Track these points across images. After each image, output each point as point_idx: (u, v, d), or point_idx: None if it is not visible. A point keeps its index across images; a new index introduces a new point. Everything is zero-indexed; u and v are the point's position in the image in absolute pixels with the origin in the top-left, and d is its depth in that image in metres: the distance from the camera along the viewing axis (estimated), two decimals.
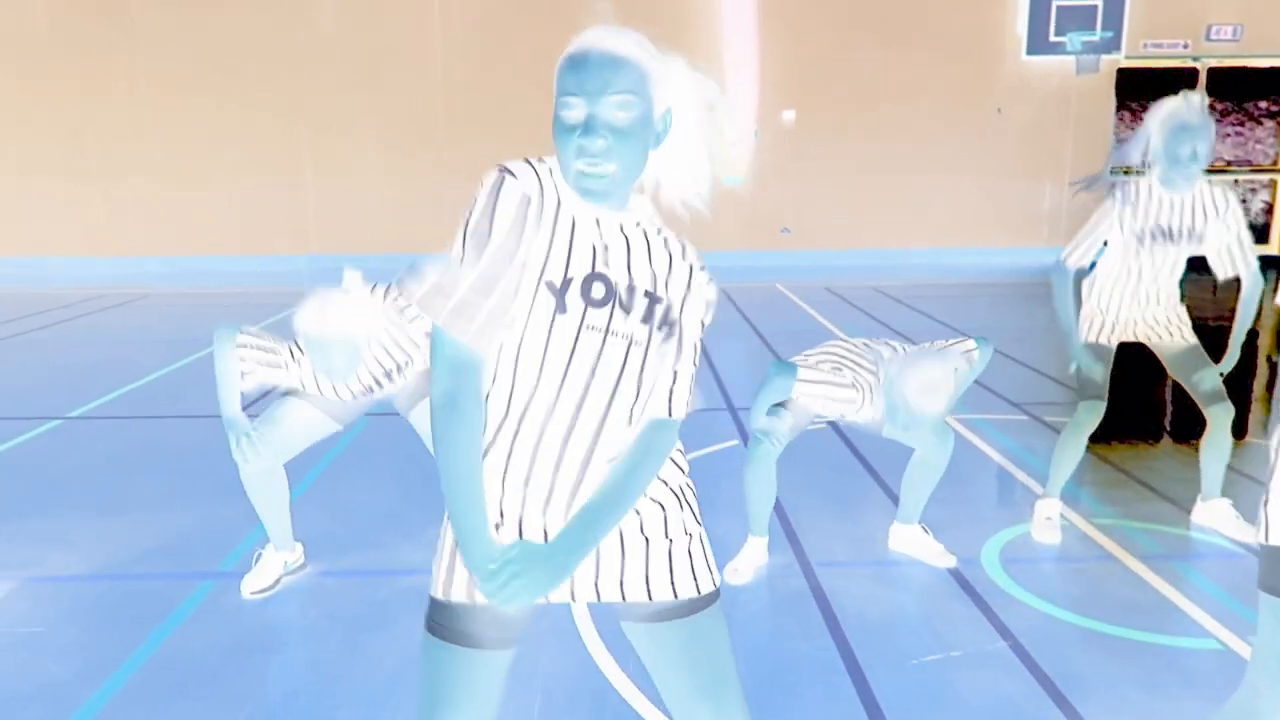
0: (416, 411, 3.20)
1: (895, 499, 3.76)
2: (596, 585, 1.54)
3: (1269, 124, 12.79)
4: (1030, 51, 11.97)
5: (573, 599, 1.54)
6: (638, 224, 1.50)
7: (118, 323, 8.77)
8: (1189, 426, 3.55)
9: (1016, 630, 2.95)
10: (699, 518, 1.62)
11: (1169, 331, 3.55)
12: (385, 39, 12.15)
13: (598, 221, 1.46)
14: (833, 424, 5.03)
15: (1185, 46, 12.19)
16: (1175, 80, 12.53)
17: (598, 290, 1.43)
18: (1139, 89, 12.49)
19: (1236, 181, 12.85)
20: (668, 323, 1.49)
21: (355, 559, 3.52)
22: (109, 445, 4.97)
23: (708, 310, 1.57)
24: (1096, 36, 11.85)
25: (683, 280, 1.52)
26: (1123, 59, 12.11)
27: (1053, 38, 11.88)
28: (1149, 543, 3.60)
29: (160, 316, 9.19)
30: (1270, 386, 6.19)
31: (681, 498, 1.59)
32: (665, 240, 1.53)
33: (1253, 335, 4.15)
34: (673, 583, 1.55)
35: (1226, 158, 12.88)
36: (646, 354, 1.48)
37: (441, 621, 1.53)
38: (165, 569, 3.46)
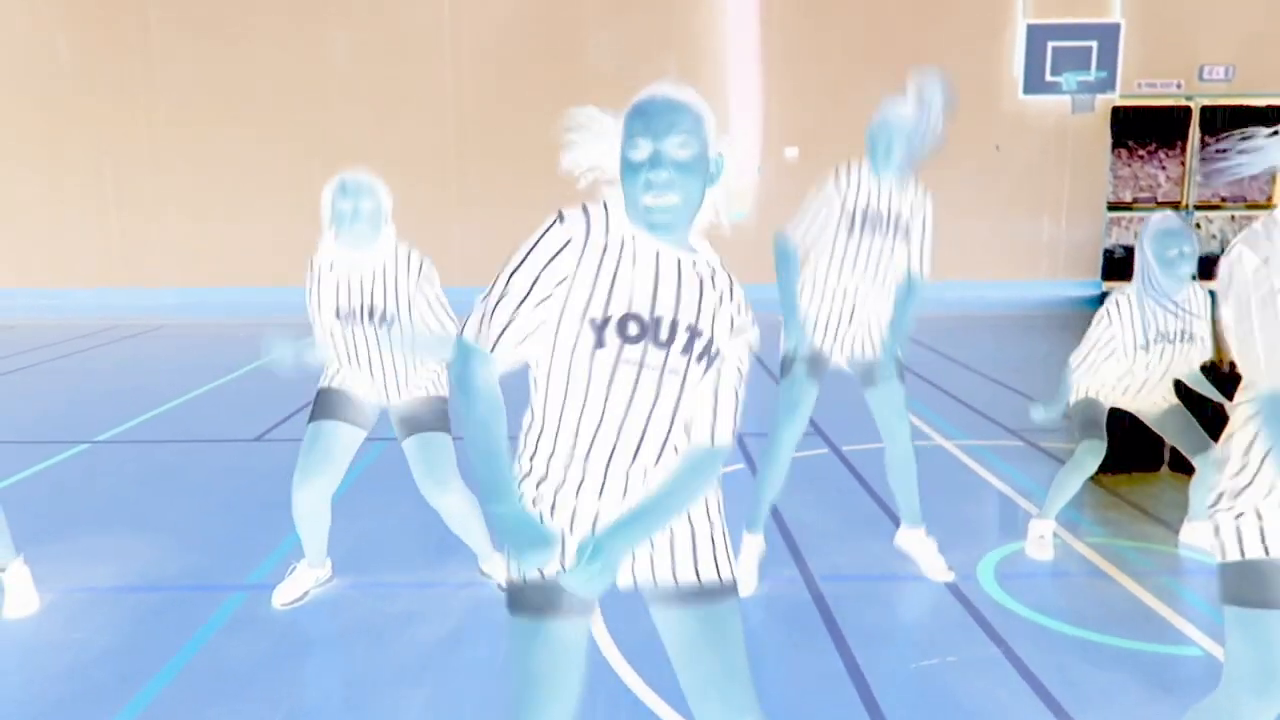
0: (408, 442, 3.35)
1: (896, 520, 3.93)
2: (634, 571, 1.72)
3: None
4: (1027, 91, 12.25)
5: (634, 582, 1.73)
6: (694, 263, 1.66)
7: (136, 352, 8.98)
8: (1186, 458, 3.72)
9: (1010, 638, 3.10)
10: (721, 510, 1.79)
11: (1153, 404, 3.76)
12: (399, 75, 12.47)
13: (658, 255, 1.63)
14: (838, 454, 5.21)
15: (1179, 86, 12.48)
16: (1169, 118, 12.81)
17: (633, 328, 1.60)
18: (1134, 127, 12.76)
19: (1233, 218, 13.08)
20: (708, 355, 1.65)
21: (378, 573, 3.69)
22: (136, 467, 5.15)
23: (747, 351, 1.73)
24: (1091, 77, 12.14)
25: (728, 318, 1.68)
26: (1117, 98, 12.39)
27: (1049, 78, 12.17)
28: (1139, 560, 3.76)
29: (177, 347, 9.40)
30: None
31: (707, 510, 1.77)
32: (716, 278, 1.69)
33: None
34: (696, 567, 1.72)
35: (1223, 195, 13.12)
36: (684, 384, 1.64)
37: (519, 600, 1.70)
38: (197, 581, 3.63)
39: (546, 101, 12.51)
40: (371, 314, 3.17)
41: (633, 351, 1.60)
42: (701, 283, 1.66)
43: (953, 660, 2.99)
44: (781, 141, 12.48)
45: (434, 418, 3.34)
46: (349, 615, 3.36)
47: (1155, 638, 3.13)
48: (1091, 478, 3.82)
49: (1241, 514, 1.81)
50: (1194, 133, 12.82)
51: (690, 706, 1.78)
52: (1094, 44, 12.11)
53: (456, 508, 3.37)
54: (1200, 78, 12.43)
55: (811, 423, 5.43)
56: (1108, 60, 12.15)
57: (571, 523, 1.67)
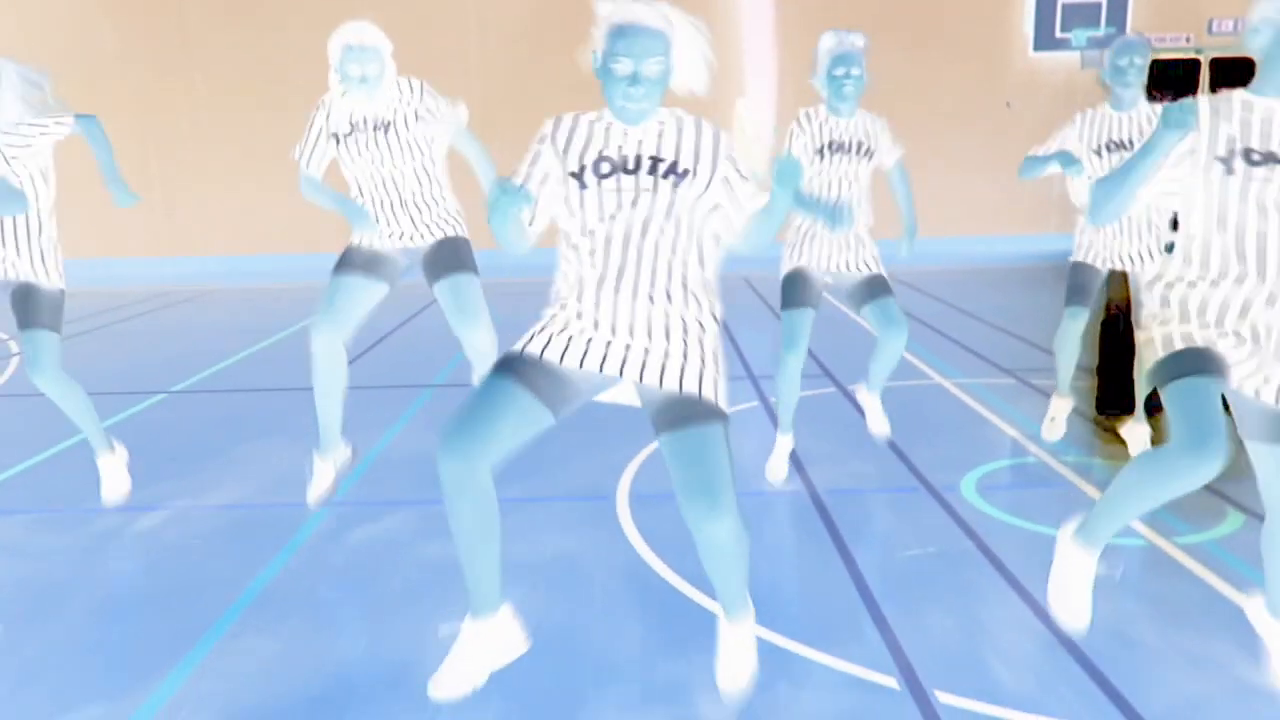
0: (438, 286, 3.73)
1: (892, 445, 4.44)
2: (624, 366, 2.23)
3: None
4: (1038, 48, 12.53)
5: (620, 374, 2.24)
6: (659, 121, 2.27)
7: (188, 316, 9.62)
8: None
9: (983, 535, 3.62)
10: (718, 356, 2.31)
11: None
12: (426, 50, 12.88)
13: (625, 131, 2.25)
14: (843, 391, 5.72)
15: (1188, 40, 12.70)
16: (1179, 72, 13.04)
17: (604, 167, 2.22)
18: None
19: None
20: (674, 174, 2.22)
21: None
22: (214, 411, 5.75)
23: (733, 158, 2.28)
24: (1101, 32, 12.38)
25: (701, 142, 2.26)
26: None
27: (1059, 34, 12.44)
28: (1106, 474, 4.25)
29: (226, 309, 10.01)
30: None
31: (705, 333, 2.29)
32: (682, 124, 2.28)
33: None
34: (681, 380, 2.22)
35: None
36: (663, 197, 2.21)
37: (512, 365, 2.25)
38: (283, 500, 4.20)
39: (563, 75, 12.93)
40: (379, 126, 3.62)
41: (608, 182, 2.21)
42: (662, 129, 2.26)
43: (933, 551, 3.52)
44: (796, 104, 12.79)
45: (460, 259, 3.72)
46: (417, 530, 3.91)
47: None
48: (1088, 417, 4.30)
49: (1167, 322, 2.31)
50: (1204, 85, 13.04)
51: (682, 511, 2.22)
52: (1103, 0, 12.35)
53: (484, 345, 3.78)
54: (1209, 31, 12.64)
55: (819, 364, 5.93)
56: (1117, 16, 12.39)
57: (613, 325, 2.23)
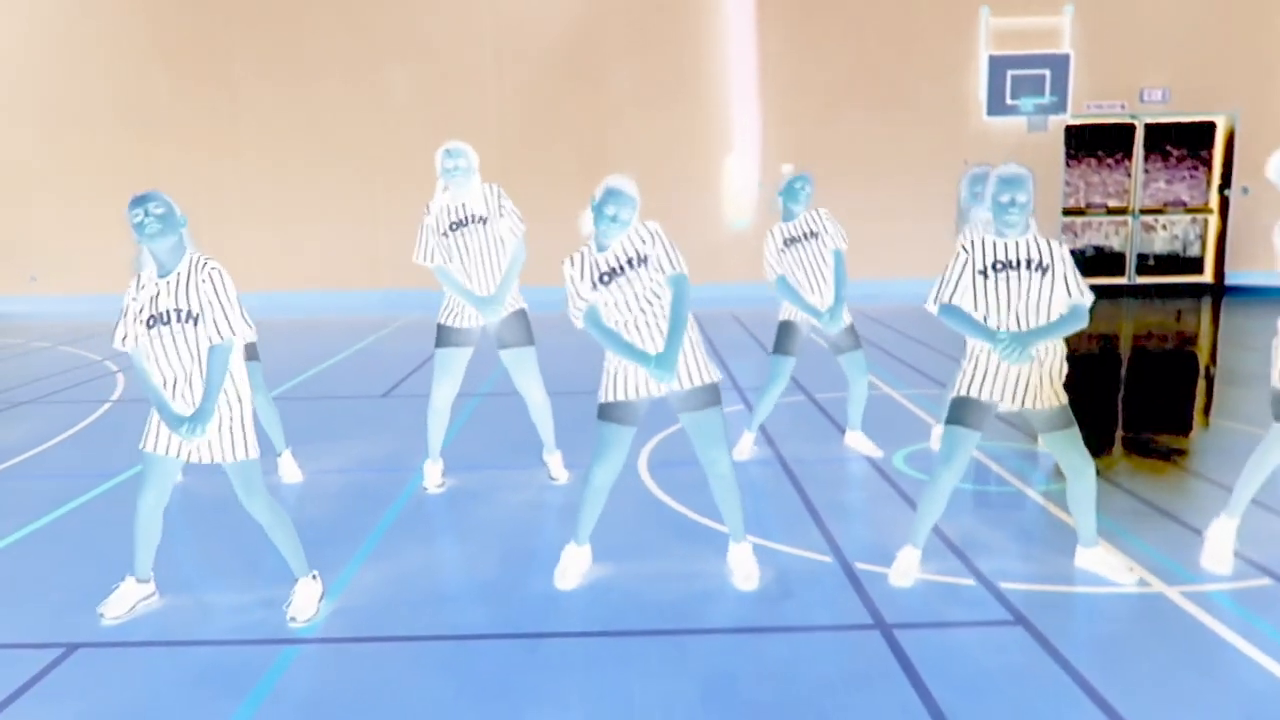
0: (505, 354, 5.12)
1: (840, 427, 5.90)
2: (668, 385, 3.71)
3: (1197, 171, 14.95)
4: (990, 113, 14.18)
5: (658, 391, 3.72)
6: (628, 237, 3.68)
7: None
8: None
9: (903, 488, 5.06)
10: (699, 347, 3.77)
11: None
12: (449, 106, 14.50)
13: (610, 250, 3.69)
14: (812, 400, 7.16)
15: (1123, 107, 14.40)
16: (1115, 135, 14.75)
17: (606, 277, 3.64)
18: (1084, 142, 14.72)
19: (1194, 219, 14.97)
20: (643, 264, 3.65)
21: (481, 469, 5.67)
22: (309, 407, 7.15)
23: (653, 237, 3.69)
24: (1045, 100, 14.07)
25: (644, 240, 3.68)
26: (1069, 118, 14.32)
27: (1009, 101, 14.10)
28: (1010, 459, 5.70)
29: (278, 336, 11.41)
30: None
31: (696, 347, 3.76)
32: (636, 232, 3.70)
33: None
34: (689, 377, 3.71)
35: (1165, 200, 15.03)
36: (640, 277, 3.64)
37: (604, 413, 3.73)
38: (389, 467, 5.61)
39: (576, 126, 14.57)
40: (475, 219, 5.00)
41: (613, 280, 3.66)
42: (627, 239, 3.69)
43: (865, 495, 4.96)
44: (779, 159, 14.42)
45: (522, 334, 5.10)
46: (486, 498, 5.33)
47: (997, 484, 5.08)
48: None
49: (972, 364, 3.74)
50: (1137, 147, 14.75)
51: (698, 453, 3.77)
52: (1047, 72, 14.04)
53: (536, 399, 5.21)
54: (1141, 99, 14.35)
55: (795, 382, 7.40)
56: (1059, 85, 14.08)
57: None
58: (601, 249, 3.70)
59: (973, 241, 3.69)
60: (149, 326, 3.47)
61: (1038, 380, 3.68)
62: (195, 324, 3.47)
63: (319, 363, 9.15)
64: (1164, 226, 15.22)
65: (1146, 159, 14.86)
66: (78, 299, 14.90)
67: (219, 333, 3.48)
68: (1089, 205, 15.06)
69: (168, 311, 3.46)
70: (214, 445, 3.52)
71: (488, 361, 5.61)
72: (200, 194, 14.68)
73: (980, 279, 3.63)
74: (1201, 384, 8.21)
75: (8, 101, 14.96)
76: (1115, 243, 15.30)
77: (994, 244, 3.65)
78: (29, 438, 6.51)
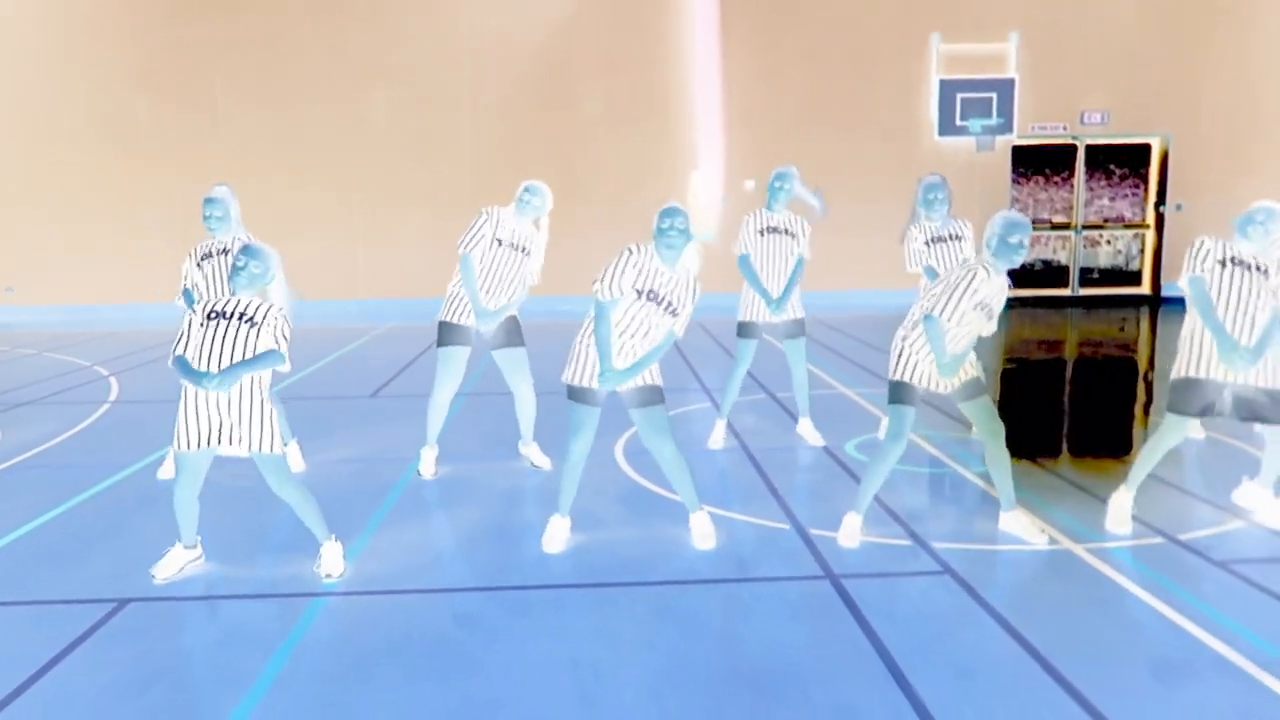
0: (498, 353, 5.68)
1: (796, 419, 6.49)
2: (628, 385, 4.27)
3: (1137, 188, 15.85)
4: (941, 134, 14.97)
5: (619, 390, 4.26)
6: (673, 271, 4.23)
7: None
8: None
9: (854, 470, 5.65)
10: (658, 370, 4.34)
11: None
12: (424, 127, 15.01)
13: (660, 271, 4.22)
14: (773, 397, 7.75)
15: (1065, 128, 15.26)
16: (1058, 155, 15.60)
17: (647, 294, 4.18)
18: (1029, 162, 15.57)
19: (1136, 235, 15.83)
20: (671, 310, 4.21)
21: (473, 458, 6.18)
22: (308, 409, 7.61)
23: (692, 299, 4.26)
24: (993, 121, 14.89)
25: (685, 292, 4.24)
26: (1015, 138, 15.15)
27: (958, 122, 14.90)
28: (950, 447, 6.31)
29: None
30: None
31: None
32: (683, 277, 4.25)
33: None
34: (646, 383, 4.27)
35: (1105, 216, 15.91)
36: (660, 314, 4.20)
37: (573, 394, 4.27)
38: (387, 455, 6.10)
39: (549, 146, 15.13)
40: (520, 249, 5.54)
41: (648, 301, 4.18)
42: (675, 279, 4.23)
43: (819, 476, 5.54)
44: (742, 176, 15.09)
45: (515, 336, 5.67)
46: (484, 484, 5.84)
47: (936, 466, 5.69)
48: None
49: (903, 356, 4.35)
50: (1079, 166, 15.62)
51: (643, 441, 4.33)
52: (994, 95, 14.86)
53: (525, 395, 5.78)
54: (1081, 122, 15.22)
55: (758, 381, 7.96)
56: (1005, 108, 14.90)
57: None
58: (664, 262, 4.22)
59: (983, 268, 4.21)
60: (208, 318, 3.96)
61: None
62: (251, 328, 3.97)
63: (306, 366, 9.59)
64: (1108, 241, 16.11)
65: (1090, 177, 15.73)
66: (54, 309, 15.18)
67: (276, 343, 4.01)
68: (1035, 221, 15.88)
69: (232, 313, 3.96)
70: (248, 440, 4.01)
71: (471, 363, 6.11)
72: (179, 211, 15.01)
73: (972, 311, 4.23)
74: (1132, 385, 8.93)
75: None
76: (1061, 256, 16.14)
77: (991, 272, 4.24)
78: (43, 432, 6.90)
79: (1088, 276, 16.10)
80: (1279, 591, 3.86)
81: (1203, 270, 4.43)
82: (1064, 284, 16.08)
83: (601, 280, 4.21)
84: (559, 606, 3.89)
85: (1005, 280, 4.30)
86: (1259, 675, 3.17)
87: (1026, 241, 4.14)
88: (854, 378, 8.62)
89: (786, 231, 6.10)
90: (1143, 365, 10.12)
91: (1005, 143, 15.18)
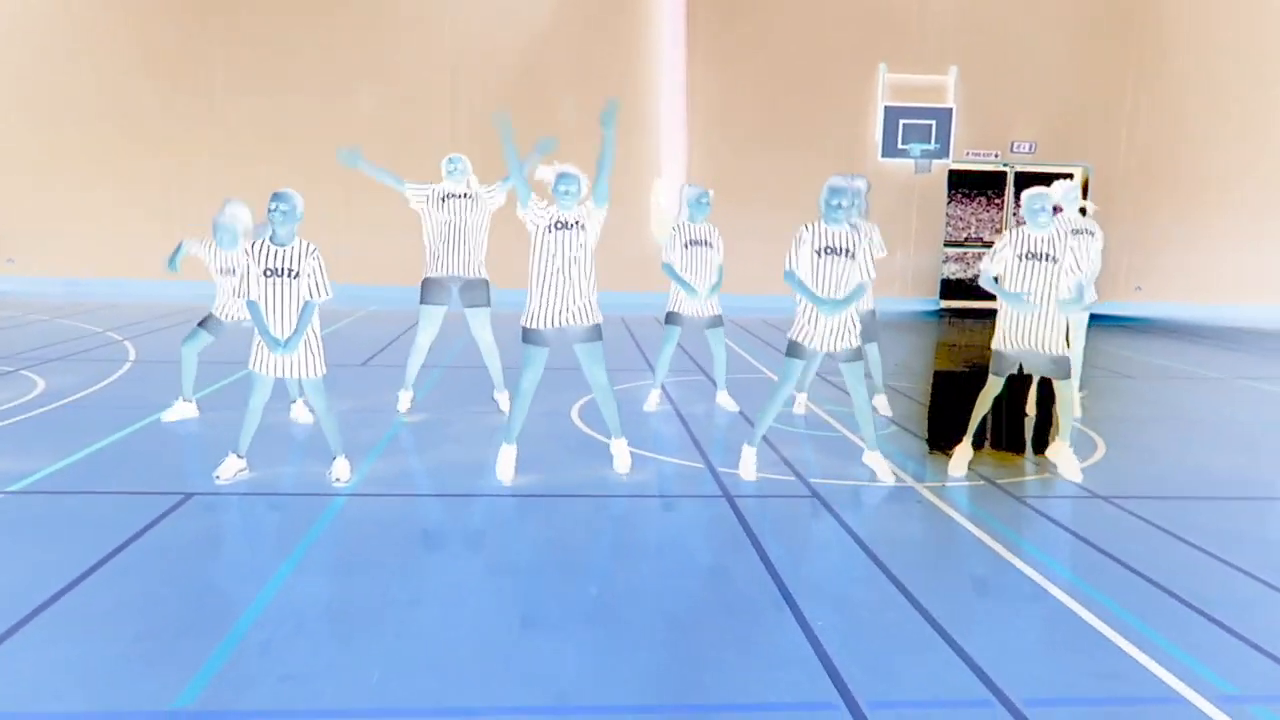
0: (469, 312, 6.98)
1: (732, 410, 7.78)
2: (572, 319, 5.48)
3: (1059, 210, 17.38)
4: (884, 155, 16.40)
5: (567, 324, 5.46)
6: (574, 209, 5.45)
7: None
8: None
9: (777, 444, 6.95)
10: (598, 307, 5.58)
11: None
12: (409, 121, 16.18)
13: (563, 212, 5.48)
14: (709, 377, 9.05)
15: (996, 156, 16.75)
16: (989, 180, 17.09)
17: (557, 225, 5.38)
18: (963, 184, 17.04)
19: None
20: (580, 227, 5.41)
21: (451, 407, 7.41)
22: None
23: (595, 211, 5.45)
24: (931, 146, 16.34)
25: (585, 216, 5.44)
26: (951, 163, 16.62)
27: (900, 146, 16.34)
28: (847, 418, 7.63)
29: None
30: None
31: (591, 289, 5.52)
32: (580, 210, 5.47)
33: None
34: (584, 318, 5.50)
35: None
36: (578, 234, 5.41)
37: (526, 336, 5.50)
38: (374, 411, 7.31)
39: (523, 145, 16.27)
40: (463, 196, 6.88)
41: (557, 230, 5.39)
42: (576, 211, 5.45)
43: (735, 435, 6.84)
44: (702, 183, 16.35)
45: (483, 297, 6.96)
46: (441, 419, 7.07)
47: (826, 430, 7.01)
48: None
49: (796, 321, 5.64)
50: (1008, 190, 17.13)
51: (584, 370, 5.57)
52: (933, 123, 16.32)
53: (488, 344, 7.04)
54: (1011, 150, 16.73)
55: (695, 363, 9.24)
56: (943, 134, 16.36)
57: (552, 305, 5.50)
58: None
59: (810, 226, 5.55)
60: (265, 276, 5.19)
61: (842, 331, 5.58)
62: (294, 280, 5.20)
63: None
64: None
65: (1018, 201, 17.23)
66: (54, 280, 16.14)
67: (312, 295, 5.22)
68: (968, 239, 17.38)
69: (281, 269, 5.19)
70: (299, 366, 5.26)
71: (447, 340, 7.32)
72: (173, 191, 16.09)
73: (816, 258, 5.48)
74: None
75: None
76: None
77: (825, 230, 5.51)
78: (82, 380, 8.03)
79: None
80: (1068, 525, 5.20)
81: (996, 264, 5.87)
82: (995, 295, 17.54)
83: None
84: (519, 511, 5.14)
85: (841, 228, 5.48)
86: (1058, 594, 4.51)
87: (845, 203, 5.39)
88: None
89: (705, 243, 7.35)
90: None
91: (942, 166, 16.64)
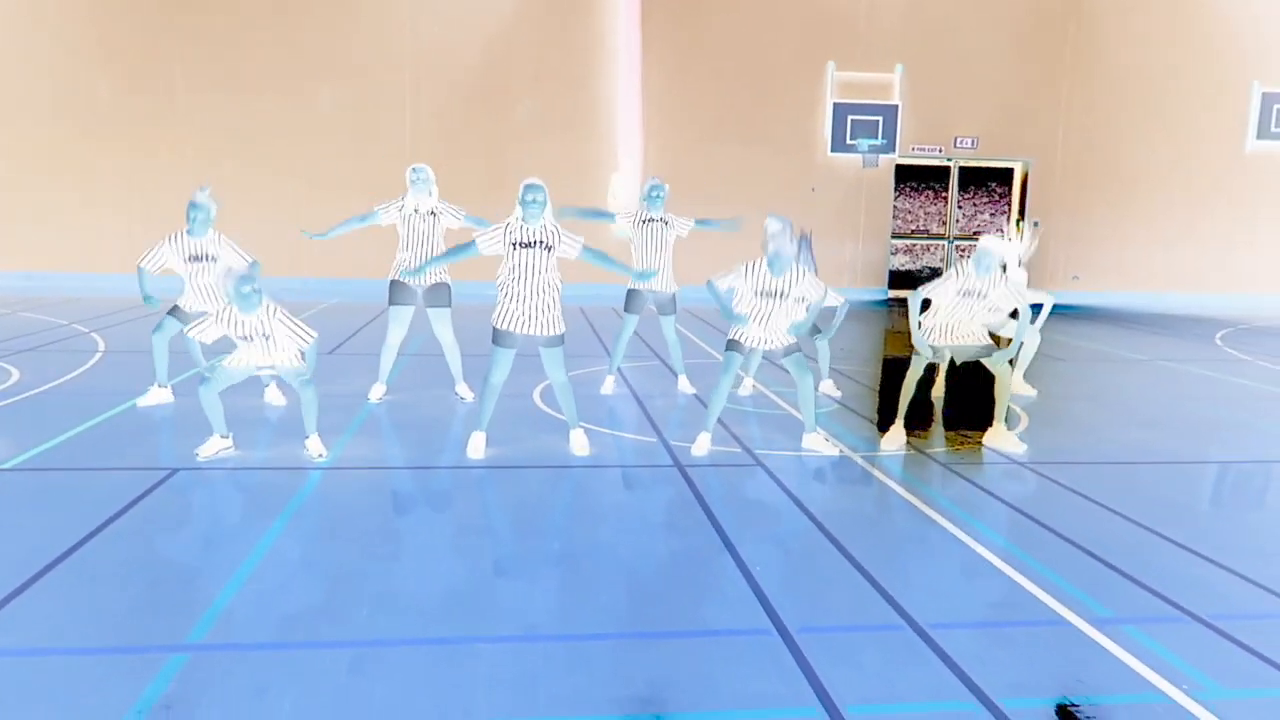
0: (431, 311, 7.40)
1: (675, 376, 8.25)
2: (538, 329, 5.92)
3: (1000, 206, 18.13)
4: (833, 150, 16.99)
5: (532, 333, 5.90)
6: (542, 226, 5.85)
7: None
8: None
9: (731, 425, 7.44)
10: (559, 304, 6.02)
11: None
12: (367, 120, 16.43)
13: (531, 227, 5.88)
14: (665, 364, 9.51)
15: (940, 151, 17.42)
16: (934, 174, 17.75)
17: (525, 243, 5.80)
18: (909, 177, 17.70)
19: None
20: (548, 248, 5.83)
21: (417, 389, 7.81)
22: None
23: (573, 240, 5.88)
24: (878, 141, 16.96)
25: (557, 236, 5.86)
26: (897, 157, 17.26)
27: (849, 140, 16.94)
28: (788, 396, 8.14)
29: None
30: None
31: (556, 302, 5.98)
32: (551, 227, 5.89)
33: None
34: (549, 329, 5.95)
35: (977, 229, 18.13)
36: (543, 256, 5.84)
37: (497, 338, 5.93)
38: (349, 395, 7.67)
39: (482, 146, 16.69)
40: (430, 213, 7.26)
41: (527, 249, 5.82)
42: (544, 228, 5.84)
43: (689, 415, 7.31)
44: (658, 177, 16.84)
45: (444, 298, 7.34)
46: (419, 402, 7.46)
47: (773, 409, 7.51)
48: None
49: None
50: (953, 184, 17.81)
51: (546, 370, 6.05)
52: (880, 119, 16.94)
53: (449, 342, 7.45)
54: (954, 145, 17.41)
55: (651, 350, 9.69)
56: (890, 130, 16.99)
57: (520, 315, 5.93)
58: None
59: (753, 265, 6.16)
60: (240, 338, 5.63)
61: (776, 332, 6.09)
62: (271, 343, 5.77)
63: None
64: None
65: (962, 194, 17.95)
66: (10, 275, 16.17)
67: (297, 361, 5.86)
68: (914, 231, 18.05)
69: (256, 335, 5.65)
70: (289, 361, 5.70)
71: (412, 331, 7.68)
72: (135, 189, 16.20)
73: (754, 298, 6.14)
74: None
75: None
76: (936, 262, 18.32)
77: (765, 274, 6.11)
78: (58, 369, 8.28)
79: None
80: (983, 485, 5.74)
81: (939, 294, 6.43)
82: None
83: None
84: (488, 481, 5.57)
85: (779, 278, 6.10)
86: (969, 542, 5.03)
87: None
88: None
89: (663, 220, 7.83)
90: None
91: (889, 161, 17.27)
